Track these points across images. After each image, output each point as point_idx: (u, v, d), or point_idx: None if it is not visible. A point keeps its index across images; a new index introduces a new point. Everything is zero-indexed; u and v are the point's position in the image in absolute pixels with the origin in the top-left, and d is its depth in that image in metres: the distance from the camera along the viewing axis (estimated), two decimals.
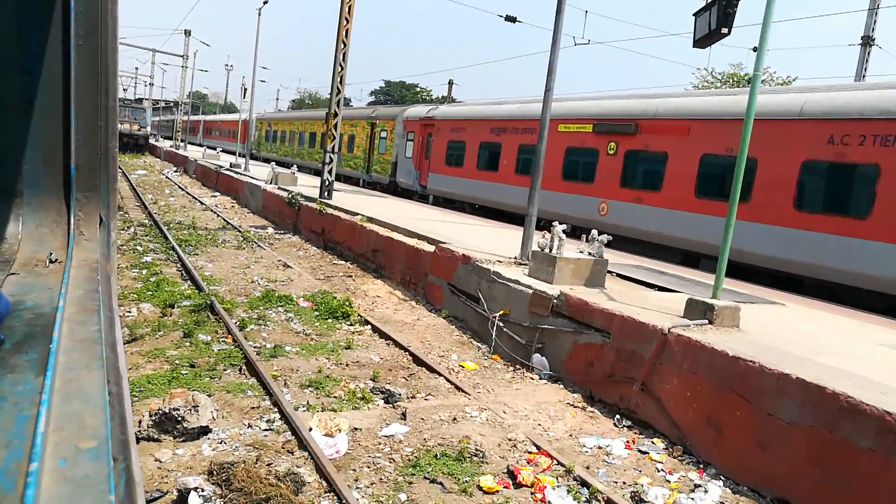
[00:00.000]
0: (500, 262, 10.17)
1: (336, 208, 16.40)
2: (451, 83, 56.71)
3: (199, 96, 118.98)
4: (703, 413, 6.12)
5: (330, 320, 10.19)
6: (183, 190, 28.55)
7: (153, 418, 5.75)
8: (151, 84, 77.63)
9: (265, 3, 29.04)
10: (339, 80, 17.76)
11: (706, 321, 6.90)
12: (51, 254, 1.84)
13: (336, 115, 17.95)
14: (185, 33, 49.08)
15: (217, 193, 27.47)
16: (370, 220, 14.65)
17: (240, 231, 18.20)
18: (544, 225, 12.35)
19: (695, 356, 6.30)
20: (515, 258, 10.37)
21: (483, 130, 19.82)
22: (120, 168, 36.59)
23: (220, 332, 8.97)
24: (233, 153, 43.72)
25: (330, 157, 18.03)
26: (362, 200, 19.27)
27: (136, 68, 77.39)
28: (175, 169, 38.71)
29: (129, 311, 9.88)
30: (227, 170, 28.85)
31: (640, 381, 6.84)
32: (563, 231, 9.12)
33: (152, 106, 63.51)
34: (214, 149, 41.59)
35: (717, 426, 5.95)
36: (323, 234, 16.41)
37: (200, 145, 60.76)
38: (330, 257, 15.37)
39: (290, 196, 18.43)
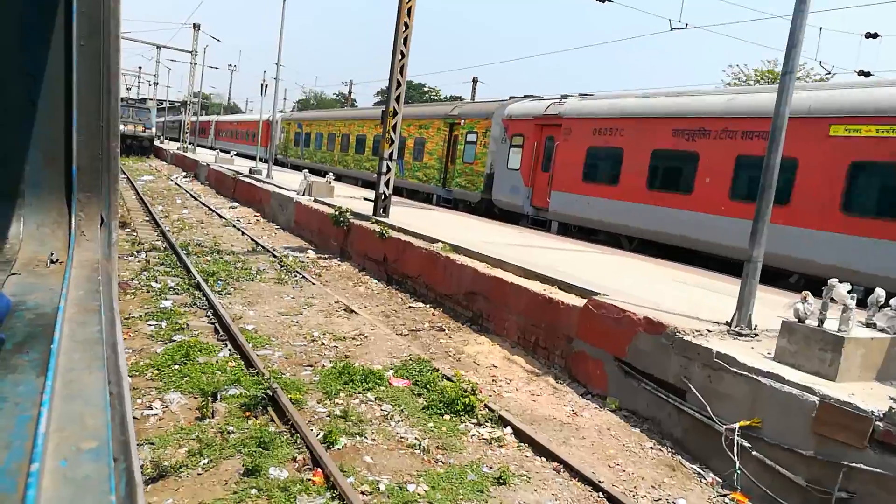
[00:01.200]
0: (708, 330, 6.74)
1: (404, 231, 12.97)
2: (475, 81, 53.23)
3: (203, 97, 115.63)
4: None
5: (447, 417, 6.79)
6: (196, 199, 25.14)
7: None
8: (156, 83, 74.44)
9: None
10: (398, 69, 14.36)
11: None
12: (52, 254, 1.85)
13: (395, 113, 14.53)
14: (194, 27, 45.74)
15: (236, 204, 24.05)
16: (455, 248, 11.23)
17: (275, 256, 14.80)
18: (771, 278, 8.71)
19: None
20: (728, 325, 6.94)
21: (659, 133, 14.02)
22: (124, 173, 33.22)
23: (298, 461, 5.55)
24: (251, 157, 40.21)
25: (387, 166, 14.61)
26: (436, 221, 15.72)
27: (140, 67, 74.03)
28: (185, 174, 35.29)
29: (151, 408, 6.48)
30: (247, 177, 25.43)
31: None
32: (849, 294, 5.68)
33: (157, 106, 59.84)
34: (228, 152, 38.01)
35: None
36: (385, 264, 13.00)
37: (212, 148, 56.99)
38: (401, 296, 11.92)
39: (336, 212, 15.03)
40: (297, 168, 35.63)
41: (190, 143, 47.23)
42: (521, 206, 18.43)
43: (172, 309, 9.85)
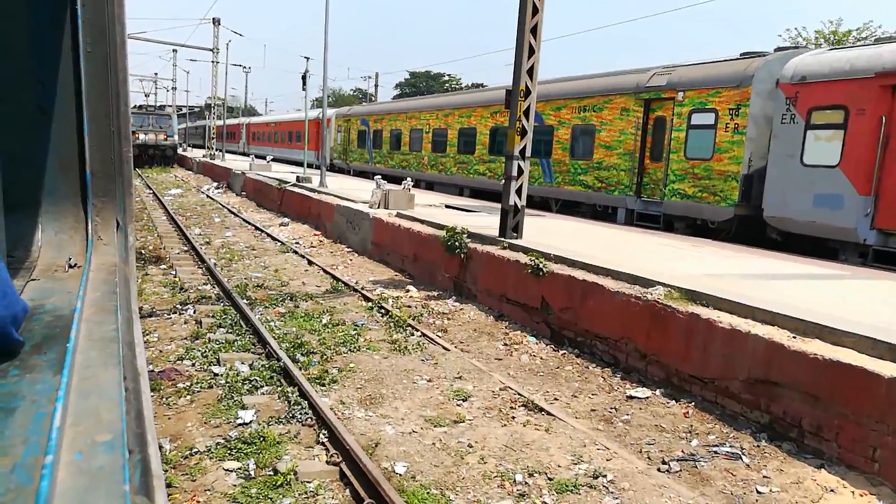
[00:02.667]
0: None
1: (576, 264, 8.73)
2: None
3: (220, 100, 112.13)
4: None
5: None
6: (237, 216, 21.20)
7: None
8: (174, 88, 70.99)
9: None
10: (530, 29, 10.16)
11: None
12: (70, 259, 1.86)
13: (528, 92, 10.33)
14: (214, 22, 41.77)
15: (286, 220, 20.01)
16: (692, 297, 7.02)
17: (367, 297, 10.74)
18: None
19: None
20: None
21: None
22: (150, 188, 29.53)
23: None
24: (294, 163, 36.10)
25: (519, 168, 10.43)
26: (615, 244, 11.23)
27: (156, 73, 70.35)
28: (216, 185, 31.41)
29: None
30: (296, 186, 21.42)
31: None
32: None
33: (177, 112, 55.85)
34: (263, 158, 33.91)
35: None
36: (545, 313, 8.83)
37: (244, 154, 52.94)
38: (597, 371, 7.65)
39: (448, 235, 10.91)
40: (363, 175, 30.57)
41: (218, 150, 43.36)
42: (845, 228, 11.45)
43: (259, 432, 5.81)
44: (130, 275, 1.99)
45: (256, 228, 18.44)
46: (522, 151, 10.41)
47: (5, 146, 1.86)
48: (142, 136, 44.45)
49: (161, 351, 8.27)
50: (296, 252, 14.96)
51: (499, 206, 10.71)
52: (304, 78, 24.40)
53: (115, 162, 2.05)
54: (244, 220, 20.25)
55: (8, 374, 1.15)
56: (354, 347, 8.32)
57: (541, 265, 8.78)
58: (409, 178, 16.08)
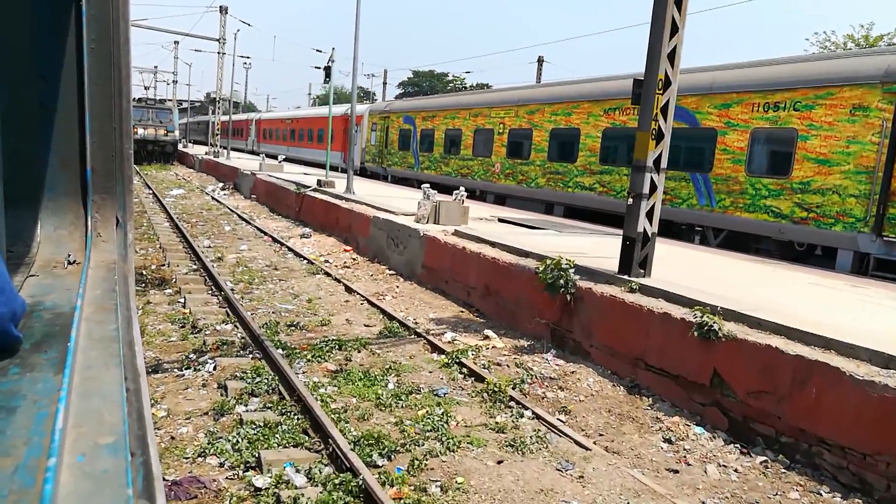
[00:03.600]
0: None
1: (783, 332, 6.06)
2: (541, 60, 46.09)
3: (222, 97, 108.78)
4: None
5: None
6: (249, 223, 18.51)
7: None
8: (175, 81, 68.16)
9: None
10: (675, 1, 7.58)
11: None
12: (69, 255, 1.85)
13: (668, 84, 7.73)
14: (221, 10, 39.05)
15: (307, 230, 17.31)
16: None
17: (443, 351, 8.10)
18: None
19: None
20: None
21: None
22: (149, 187, 26.84)
23: None
24: (309, 164, 33.15)
25: (652, 182, 7.83)
26: (847, 301, 8.12)
27: (156, 66, 67.25)
28: (222, 186, 28.68)
29: None
30: (318, 191, 18.74)
31: None
32: None
33: (178, 106, 52.44)
34: (275, 157, 31.02)
35: None
36: (719, 394, 6.21)
37: (253, 152, 49.13)
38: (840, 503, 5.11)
39: (547, 268, 8.28)
40: (405, 181, 26.65)
41: (222, 147, 40.52)
42: None
43: None
44: (129, 272, 1.99)
45: (274, 240, 15.77)
46: (658, 161, 7.81)
47: (6, 141, 1.80)
48: (140, 131, 41.65)
49: (173, 438, 5.66)
50: (328, 274, 12.32)
51: (566, 222, 8.08)
52: (327, 70, 21.70)
53: (116, 159, 2.05)
54: (258, 228, 17.57)
55: (8, 372, 1.12)
56: (448, 439, 5.71)
57: (713, 325, 6.17)
58: (461, 188, 13.47)
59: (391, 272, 12.73)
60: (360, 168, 30.28)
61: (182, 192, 26.54)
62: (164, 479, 5.17)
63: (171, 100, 61.00)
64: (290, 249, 14.58)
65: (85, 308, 1.43)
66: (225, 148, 39.23)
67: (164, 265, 12.09)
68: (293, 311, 9.73)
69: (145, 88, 61.32)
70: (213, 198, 24.93)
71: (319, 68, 47.58)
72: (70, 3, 1.89)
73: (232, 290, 10.40)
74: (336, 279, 11.88)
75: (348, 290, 11.18)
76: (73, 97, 1.93)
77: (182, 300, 9.81)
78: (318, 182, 19.45)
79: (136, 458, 0.95)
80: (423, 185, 13.48)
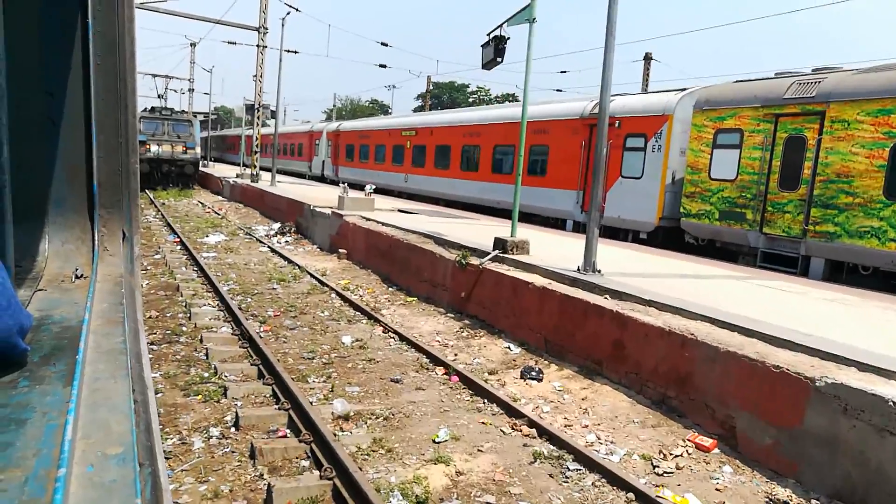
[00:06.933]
0: None
1: None
2: (648, 58, 37.46)
3: (226, 111, 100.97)
4: None
5: None
6: (377, 320, 9.86)
7: None
8: (191, 90, 59.56)
9: None
10: None
11: None
12: (76, 269, 1.85)
13: None
14: None
15: (513, 347, 8.69)
16: None
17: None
18: None
19: None
20: None
21: None
22: (173, 230, 18.32)
23: None
24: (407, 198, 25.00)
25: None
26: None
27: (168, 76, 58.60)
28: (281, 228, 19.88)
29: None
30: (511, 264, 10.07)
31: None
32: None
33: (197, 118, 42.53)
34: (362, 187, 19.44)
35: None
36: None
37: (325, 179, 37.27)
38: None
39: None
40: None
41: (263, 169, 31.26)
42: None
43: None
44: (136, 286, 1.96)
45: (484, 398, 7.08)
46: None
47: (14, 156, 1.75)
48: (154, 148, 33.27)
49: None
50: None
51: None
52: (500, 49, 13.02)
53: (122, 173, 2.02)
54: (402, 337, 8.92)
55: (18, 385, 1.12)
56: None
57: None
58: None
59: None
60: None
61: (222, 238, 17.94)
62: None
63: (187, 111, 52.46)
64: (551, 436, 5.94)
65: (93, 321, 1.44)
66: (267, 170, 30.62)
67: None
68: None
69: (158, 97, 52.95)
70: (272, 250, 16.31)
71: (385, 67, 38.12)
72: (76, 19, 1.91)
73: None
74: None
75: None
76: (80, 112, 1.93)
77: None
78: (499, 243, 10.74)
79: (143, 469, 0.96)
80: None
